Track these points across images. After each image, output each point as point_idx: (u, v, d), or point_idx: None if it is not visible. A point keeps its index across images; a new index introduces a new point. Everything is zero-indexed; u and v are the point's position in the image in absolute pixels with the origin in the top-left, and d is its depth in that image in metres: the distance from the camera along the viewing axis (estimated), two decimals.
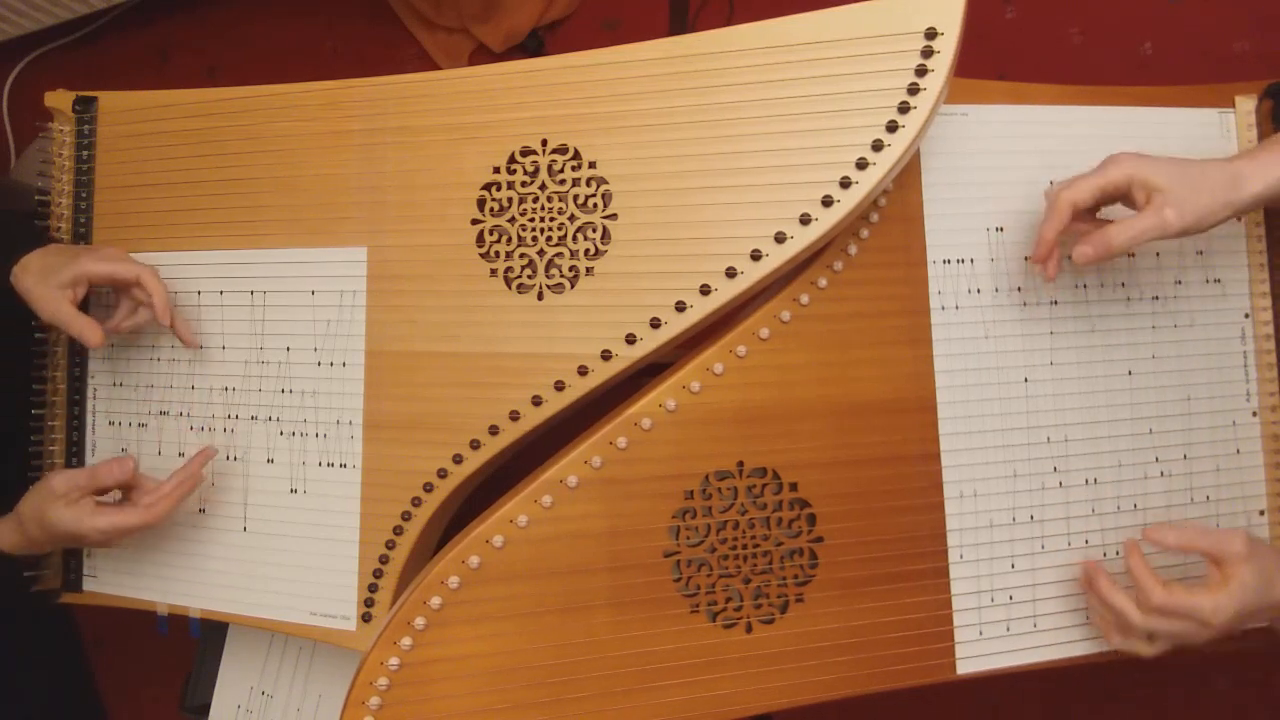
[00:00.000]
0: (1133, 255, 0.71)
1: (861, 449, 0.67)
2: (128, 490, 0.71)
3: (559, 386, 0.66)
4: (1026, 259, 0.69)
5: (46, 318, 0.70)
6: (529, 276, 0.68)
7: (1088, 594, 0.67)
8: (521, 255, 0.68)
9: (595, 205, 0.67)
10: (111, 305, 0.76)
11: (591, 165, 0.67)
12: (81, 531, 0.67)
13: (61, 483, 0.68)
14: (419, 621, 0.63)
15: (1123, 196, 0.63)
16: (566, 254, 0.67)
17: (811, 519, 0.67)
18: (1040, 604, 0.68)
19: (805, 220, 0.62)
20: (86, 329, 0.69)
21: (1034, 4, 1.37)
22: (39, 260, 0.71)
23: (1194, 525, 0.64)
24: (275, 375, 0.74)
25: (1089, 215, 0.65)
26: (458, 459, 0.68)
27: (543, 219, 0.68)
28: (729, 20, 1.47)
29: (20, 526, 0.70)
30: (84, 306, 0.72)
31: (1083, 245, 0.63)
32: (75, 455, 0.79)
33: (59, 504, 0.67)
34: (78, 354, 0.79)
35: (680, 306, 0.64)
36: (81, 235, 0.79)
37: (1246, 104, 0.72)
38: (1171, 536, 0.63)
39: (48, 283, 0.69)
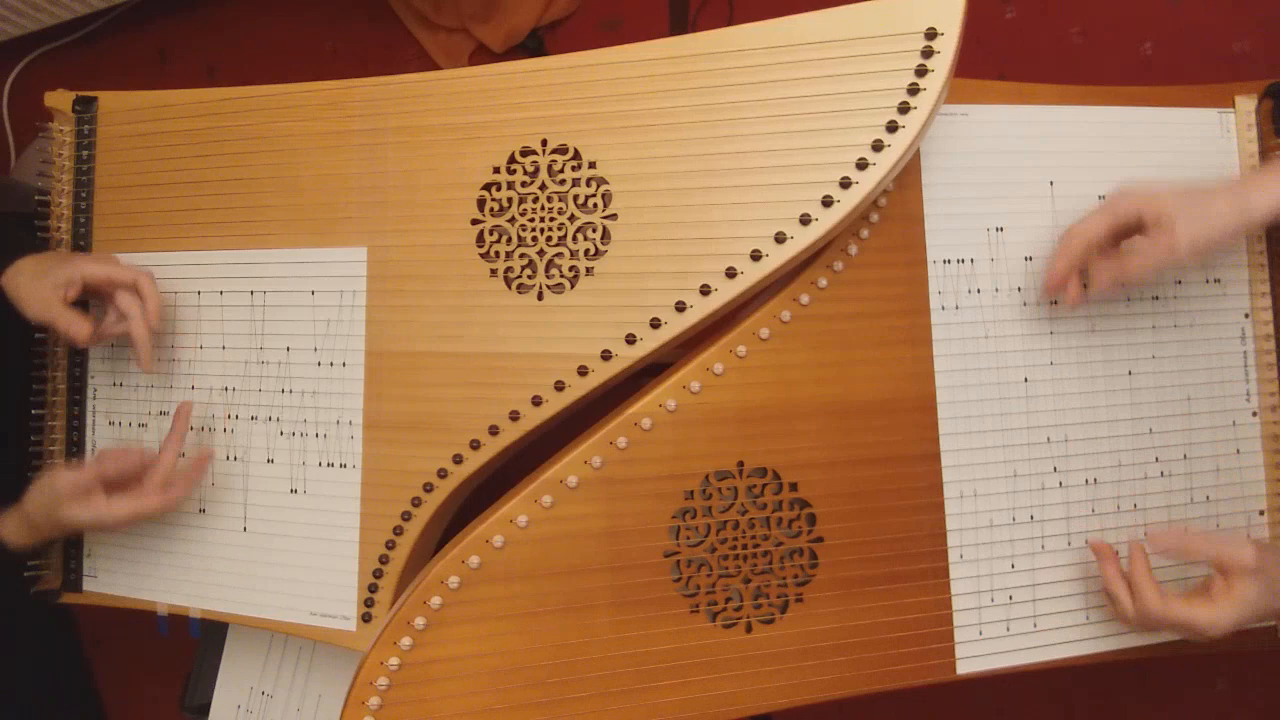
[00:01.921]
0: None
1: (861, 449, 0.67)
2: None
3: (559, 386, 0.66)
4: (1028, 258, 0.69)
5: (35, 314, 0.69)
6: (529, 276, 0.68)
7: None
8: (521, 255, 0.68)
9: (595, 205, 0.67)
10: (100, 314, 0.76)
11: (591, 165, 0.67)
12: (104, 524, 0.68)
13: (67, 485, 0.67)
14: (419, 621, 0.63)
15: (1136, 228, 0.64)
16: (566, 254, 0.67)
17: (811, 519, 0.67)
18: (1040, 604, 0.68)
19: (805, 220, 0.62)
20: (75, 323, 0.69)
21: (1034, 4, 1.37)
22: (33, 263, 0.71)
23: (1200, 533, 0.63)
24: (275, 375, 0.74)
25: (1110, 248, 0.66)
26: (458, 459, 0.68)
27: (543, 219, 0.68)
28: (729, 20, 1.47)
29: (29, 525, 0.70)
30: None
31: (1100, 276, 0.65)
32: (75, 455, 0.79)
33: (71, 504, 0.67)
34: (78, 354, 0.79)
35: (680, 306, 0.64)
36: (81, 235, 0.79)
37: (1246, 104, 0.72)
38: (1177, 544, 0.63)
39: (39, 282, 0.69)
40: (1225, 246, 0.63)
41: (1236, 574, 0.60)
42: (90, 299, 0.76)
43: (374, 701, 0.62)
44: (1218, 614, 0.59)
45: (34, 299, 0.69)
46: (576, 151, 0.67)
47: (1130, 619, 0.63)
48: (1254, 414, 0.72)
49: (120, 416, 0.78)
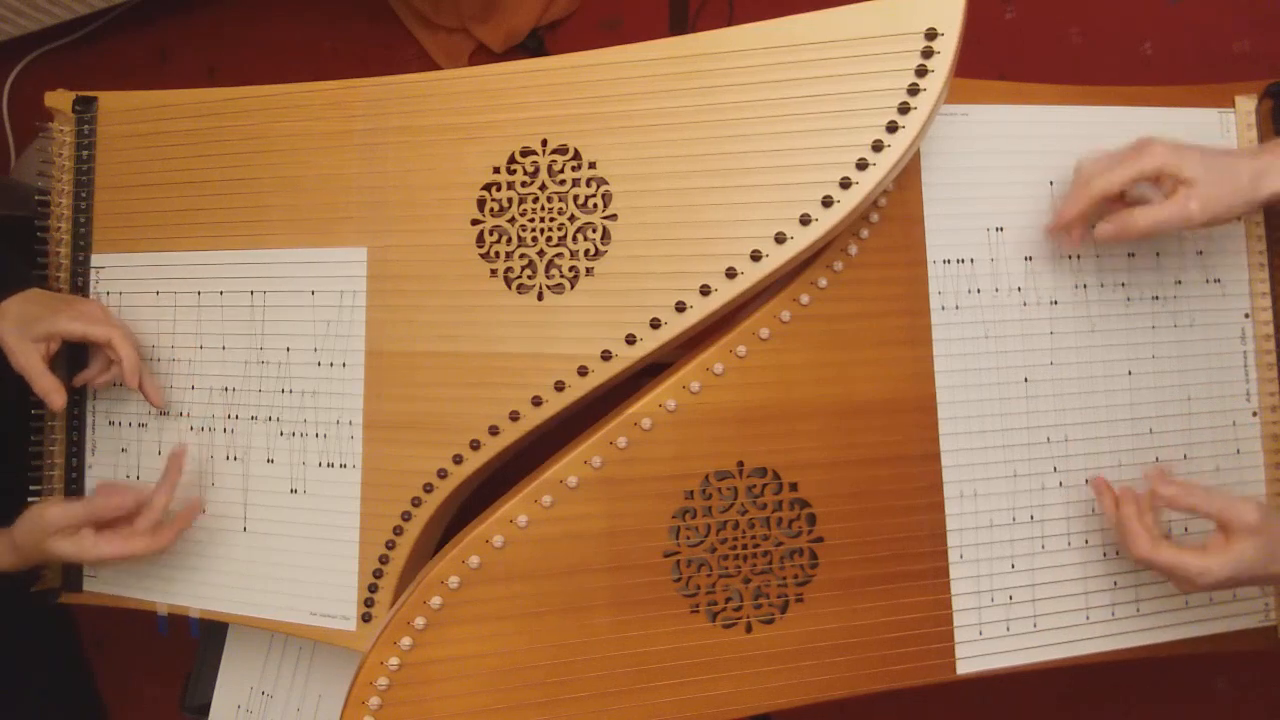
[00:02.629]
0: (1133, 255, 0.71)
1: (861, 449, 0.67)
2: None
3: (559, 386, 0.66)
4: (1028, 258, 0.69)
5: (17, 369, 0.70)
6: (529, 277, 0.68)
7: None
8: (521, 255, 0.68)
9: (595, 205, 0.67)
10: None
11: (591, 165, 0.67)
12: (87, 560, 0.69)
13: (57, 517, 0.67)
14: (419, 621, 0.63)
15: (1153, 179, 0.63)
16: (566, 254, 0.67)
17: (811, 519, 0.67)
18: (1040, 604, 0.68)
19: (805, 220, 0.62)
20: (51, 391, 0.70)
21: (1034, 4, 1.37)
22: (18, 307, 0.71)
23: (1204, 487, 0.62)
24: (275, 375, 0.74)
25: (1116, 197, 0.65)
26: (458, 459, 0.68)
27: (543, 219, 0.68)
28: (729, 20, 1.47)
29: (15, 550, 0.70)
30: (79, 356, 0.76)
31: (1105, 224, 0.64)
32: (75, 455, 0.79)
33: (57, 538, 0.67)
34: (78, 354, 0.79)
35: (680, 307, 0.64)
36: (81, 235, 0.79)
37: (1246, 104, 0.72)
38: (1182, 498, 0.62)
39: (23, 334, 0.70)
40: (1234, 217, 0.63)
41: (1237, 532, 0.59)
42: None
43: (374, 701, 0.62)
44: (1209, 563, 0.59)
45: (16, 352, 0.70)
46: (576, 151, 0.67)
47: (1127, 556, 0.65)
48: (1254, 414, 0.72)
49: (120, 416, 0.78)
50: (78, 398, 0.79)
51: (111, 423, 0.78)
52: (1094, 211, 0.65)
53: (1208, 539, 0.61)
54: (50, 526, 0.67)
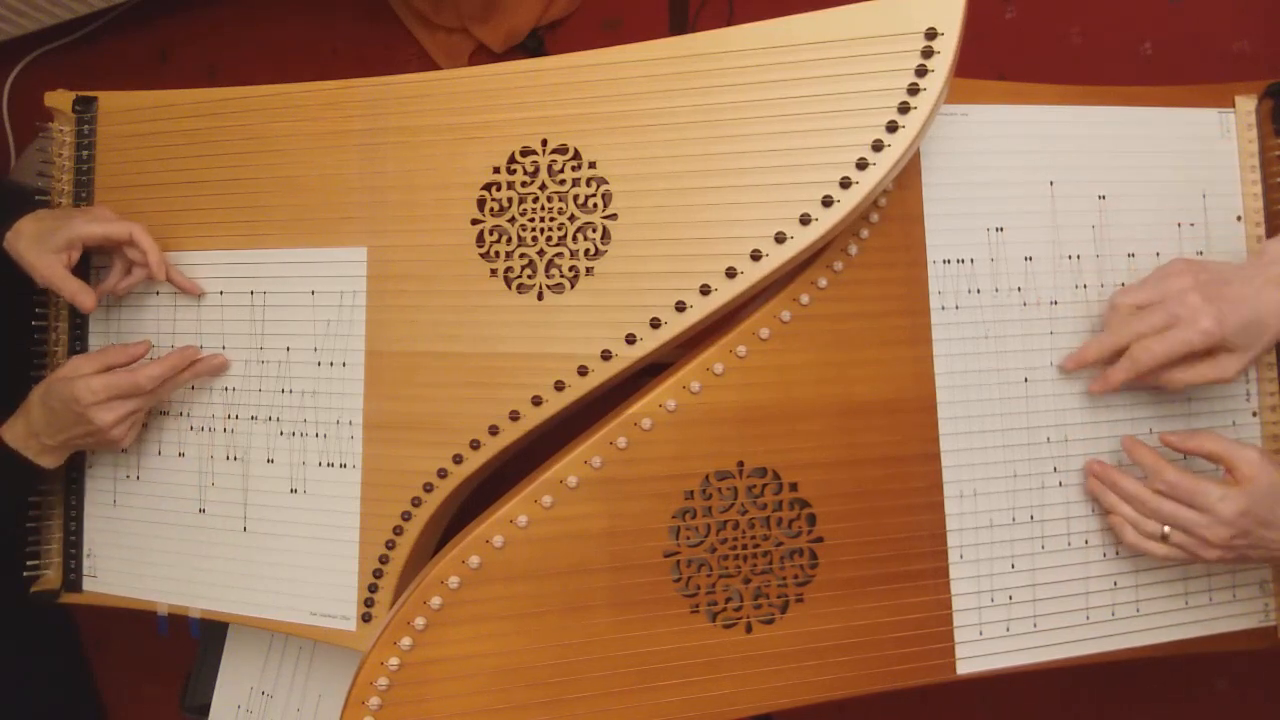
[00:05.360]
0: (1132, 255, 0.71)
1: (861, 449, 0.67)
2: None
3: (559, 386, 0.66)
4: (1028, 258, 0.69)
5: (41, 282, 0.71)
6: (529, 276, 0.68)
7: (1102, 497, 0.68)
8: (521, 255, 0.68)
9: (595, 205, 0.67)
10: (108, 268, 0.76)
11: (591, 165, 0.67)
12: (75, 393, 0.68)
13: (76, 358, 0.71)
14: (419, 621, 0.63)
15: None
16: (566, 254, 0.67)
17: (811, 519, 0.67)
18: (1040, 604, 0.68)
19: (805, 220, 0.62)
20: (80, 293, 0.70)
21: (1034, 4, 1.37)
22: (32, 225, 0.71)
23: (1205, 431, 0.65)
24: (275, 375, 0.74)
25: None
26: (458, 459, 0.68)
27: (543, 219, 0.68)
28: (729, 20, 1.47)
29: (26, 412, 0.71)
30: (84, 273, 0.74)
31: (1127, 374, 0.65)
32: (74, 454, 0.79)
33: (64, 378, 0.69)
34: (77, 342, 0.79)
35: (680, 306, 0.64)
36: None
37: (1246, 104, 0.72)
38: (1190, 441, 0.65)
39: (41, 247, 0.70)
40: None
41: (1245, 466, 0.61)
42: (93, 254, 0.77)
43: (374, 702, 0.62)
44: (1228, 490, 0.61)
45: (38, 266, 0.70)
46: (576, 151, 0.67)
47: (1148, 505, 0.64)
48: (1254, 414, 0.72)
49: None
50: None
51: None
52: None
53: (1219, 479, 0.62)
54: (69, 364, 0.70)
